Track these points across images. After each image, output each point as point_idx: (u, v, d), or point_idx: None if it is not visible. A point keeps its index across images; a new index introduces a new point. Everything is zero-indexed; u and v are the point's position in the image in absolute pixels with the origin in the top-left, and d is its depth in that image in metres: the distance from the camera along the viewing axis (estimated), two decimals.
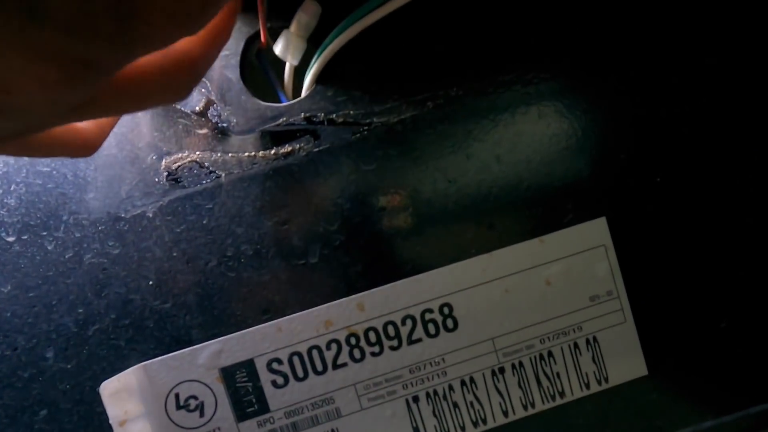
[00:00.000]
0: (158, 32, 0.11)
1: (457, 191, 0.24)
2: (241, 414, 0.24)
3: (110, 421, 0.24)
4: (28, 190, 0.24)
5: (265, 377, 0.24)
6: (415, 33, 0.24)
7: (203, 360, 0.24)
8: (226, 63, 0.24)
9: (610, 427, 0.25)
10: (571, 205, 0.24)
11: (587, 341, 0.24)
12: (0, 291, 0.24)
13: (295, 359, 0.24)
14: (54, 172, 0.24)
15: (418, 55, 0.24)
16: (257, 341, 0.24)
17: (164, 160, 0.24)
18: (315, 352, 0.24)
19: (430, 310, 0.24)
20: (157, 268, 0.24)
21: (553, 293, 0.24)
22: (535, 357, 0.24)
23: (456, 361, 0.24)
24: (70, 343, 0.24)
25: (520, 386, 0.24)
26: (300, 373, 0.24)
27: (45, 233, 0.24)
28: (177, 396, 0.24)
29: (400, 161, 0.24)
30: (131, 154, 0.24)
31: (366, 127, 0.24)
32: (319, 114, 0.24)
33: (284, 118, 0.24)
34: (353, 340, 0.24)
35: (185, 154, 0.24)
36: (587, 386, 0.25)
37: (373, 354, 0.24)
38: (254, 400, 0.24)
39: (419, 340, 0.24)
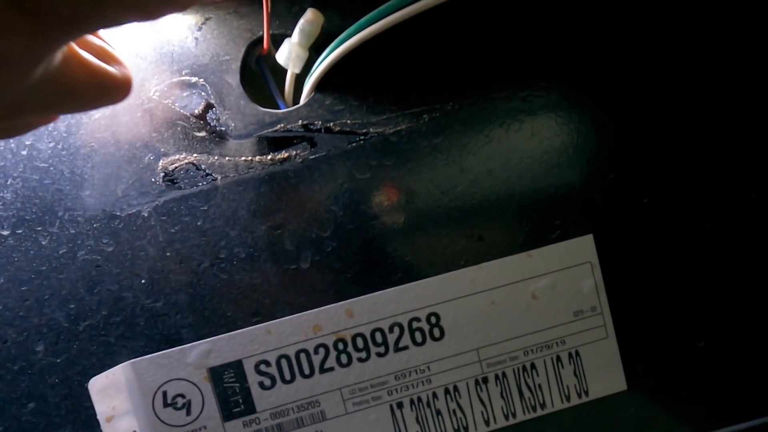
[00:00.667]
0: None
1: (449, 203, 0.25)
2: (228, 414, 0.24)
3: (97, 417, 0.24)
4: (25, 185, 0.24)
5: (253, 378, 0.24)
6: (413, 46, 0.25)
7: (192, 359, 0.24)
8: (227, 67, 0.25)
9: None
10: (559, 222, 0.25)
11: (569, 355, 0.25)
12: None
13: (283, 362, 0.24)
14: (51, 168, 0.24)
15: (415, 68, 0.25)
16: (246, 343, 0.24)
17: (161, 161, 0.24)
18: (303, 356, 0.24)
19: (418, 319, 0.25)
20: (150, 267, 0.24)
21: (539, 307, 0.25)
22: (518, 368, 0.25)
23: (441, 370, 0.25)
24: (61, 337, 0.24)
25: (502, 396, 0.25)
26: (287, 375, 0.24)
27: (40, 228, 0.24)
28: (165, 394, 0.24)
29: (395, 171, 0.25)
30: (129, 153, 0.24)
31: (362, 137, 0.25)
32: (316, 122, 0.25)
33: (282, 125, 0.25)
34: (341, 346, 0.24)
35: (182, 155, 0.24)
36: (568, 399, 0.25)
37: (360, 360, 0.24)
38: (241, 401, 0.24)
39: (406, 347, 0.25)
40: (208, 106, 0.25)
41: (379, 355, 0.24)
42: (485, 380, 0.25)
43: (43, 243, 0.24)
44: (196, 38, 0.25)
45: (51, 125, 0.24)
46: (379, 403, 0.25)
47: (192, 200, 0.24)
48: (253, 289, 0.24)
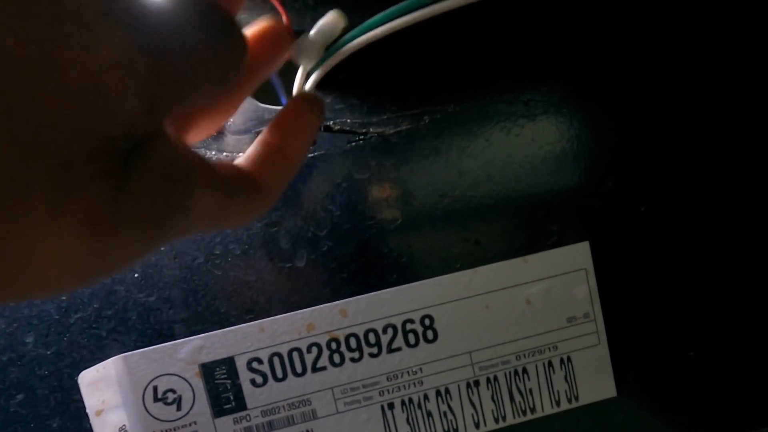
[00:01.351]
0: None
1: (447, 206, 0.25)
2: (219, 410, 0.24)
3: (87, 410, 0.24)
4: None
5: (245, 376, 0.24)
6: (416, 46, 0.24)
7: (184, 355, 0.24)
8: None
9: None
10: (556, 228, 0.25)
11: (561, 360, 0.25)
12: None
13: (276, 360, 0.24)
14: None
15: (417, 68, 0.24)
16: (239, 340, 0.24)
17: None
18: (295, 354, 0.24)
19: (412, 321, 0.25)
20: (144, 261, 0.24)
21: (533, 312, 0.25)
22: (510, 372, 0.25)
23: (433, 372, 0.25)
24: (51, 329, 0.24)
25: (493, 400, 0.25)
26: (279, 373, 0.24)
27: None
28: (155, 389, 0.24)
29: (394, 172, 0.24)
30: None
31: (362, 137, 0.24)
32: None
33: None
34: (334, 345, 0.24)
35: None
36: (558, 404, 0.25)
37: (353, 360, 0.24)
38: (232, 397, 0.24)
39: (399, 349, 0.25)
40: None
41: (371, 355, 0.24)
42: (477, 383, 0.25)
43: None
44: None
45: None
46: (370, 403, 0.25)
47: None
48: (247, 286, 0.24)
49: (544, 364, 0.25)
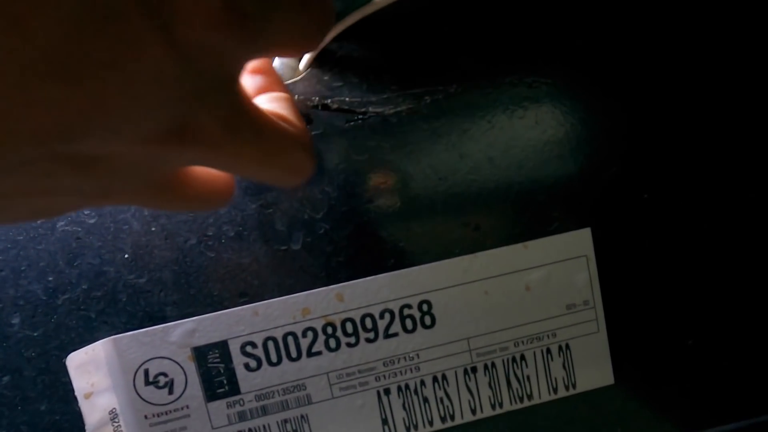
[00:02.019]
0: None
1: (446, 190, 0.24)
2: (211, 394, 0.24)
3: (75, 393, 0.23)
4: None
5: (238, 360, 0.24)
6: (418, 23, 0.24)
7: (176, 338, 0.23)
8: None
9: (573, 431, 0.25)
10: (557, 214, 0.24)
11: (560, 348, 0.25)
12: None
13: (270, 344, 0.24)
14: None
15: (419, 46, 0.24)
16: (232, 323, 0.24)
17: None
18: (290, 339, 0.24)
19: (409, 306, 0.24)
20: (134, 241, 0.23)
21: (532, 299, 0.24)
22: (507, 359, 0.25)
23: (430, 358, 0.24)
24: (38, 311, 0.23)
25: (490, 386, 0.25)
26: (274, 358, 0.24)
27: None
28: (146, 372, 0.23)
29: (393, 154, 0.24)
30: None
31: (361, 116, 0.24)
32: (313, 98, 0.23)
33: None
34: (330, 330, 0.24)
35: None
36: (555, 391, 0.25)
37: (349, 345, 0.24)
38: (225, 381, 0.24)
39: (396, 334, 0.24)
40: None
41: (368, 340, 0.24)
42: (474, 370, 0.25)
43: None
44: None
45: None
46: (366, 388, 0.24)
47: None
48: (241, 268, 0.24)
49: (542, 351, 0.25)
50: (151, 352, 0.23)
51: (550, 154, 0.24)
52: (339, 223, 0.24)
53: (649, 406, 0.26)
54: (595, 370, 0.25)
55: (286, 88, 0.19)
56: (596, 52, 0.24)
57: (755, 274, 0.25)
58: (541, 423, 0.25)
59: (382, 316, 0.24)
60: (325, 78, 0.24)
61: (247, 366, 0.24)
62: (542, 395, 0.25)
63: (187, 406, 0.24)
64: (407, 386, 0.24)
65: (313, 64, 0.23)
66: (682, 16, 0.24)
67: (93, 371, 0.23)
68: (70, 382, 0.23)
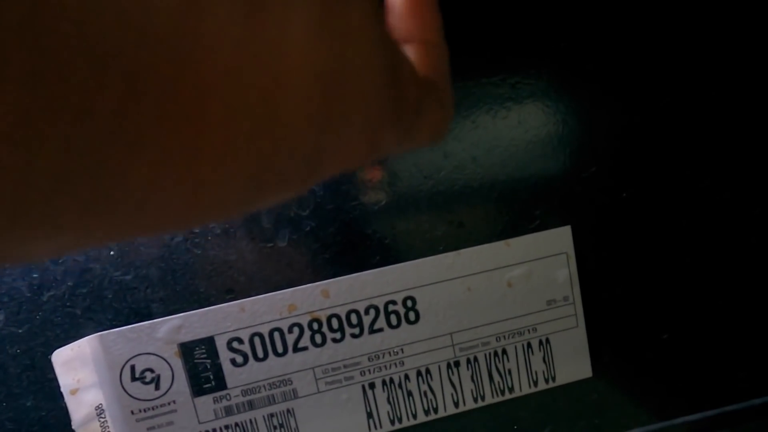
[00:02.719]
0: None
1: (431, 188, 0.24)
2: (198, 389, 0.24)
3: (61, 389, 0.23)
4: None
5: (225, 355, 0.24)
6: None
7: (162, 334, 0.24)
8: None
9: (552, 422, 0.26)
10: (539, 212, 0.25)
11: (540, 342, 0.26)
12: None
13: (256, 340, 0.24)
14: None
15: None
16: (219, 320, 0.24)
17: None
18: (276, 335, 0.24)
19: (394, 302, 0.25)
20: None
21: (513, 295, 0.25)
22: (489, 353, 0.25)
23: (414, 353, 0.25)
24: (23, 307, 0.23)
25: (472, 380, 0.25)
26: (260, 353, 0.24)
27: None
28: (133, 368, 0.24)
29: None
30: None
31: None
32: None
33: None
34: (315, 326, 0.24)
35: None
36: (535, 384, 0.26)
37: (335, 340, 0.24)
38: (212, 377, 0.24)
39: (380, 329, 0.25)
40: None
41: (353, 336, 0.24)
42: (457, 364, 0.25)
43: None
44: None
45: None
46: (351, 383, 0.25)
47: None
48: (227, 265, 0.24)
49: (523, 346, 0.25)
50: (137, 348, 0.23)
51: (532, 154, 0.25)
52: (325, 220, 0.24)
53: (625, 397, 0.26)
54: (574, 364, 0.26)
55: None
56: (578, 54, 0.25)
57: (728, 272, 0.26)
58: (522, 415, 0.26)
59: (367, 312, 0.24)
60: None
61: (233, 361, 0.24)
62: (523, 388, 0.26)
63: (174, 402, 0.24)
64: (392, 380, 0.25)
65: None
66: (663, 18, 0.25)
67: (79, 367, 0.23)
68: (56, 379, 0.23)
